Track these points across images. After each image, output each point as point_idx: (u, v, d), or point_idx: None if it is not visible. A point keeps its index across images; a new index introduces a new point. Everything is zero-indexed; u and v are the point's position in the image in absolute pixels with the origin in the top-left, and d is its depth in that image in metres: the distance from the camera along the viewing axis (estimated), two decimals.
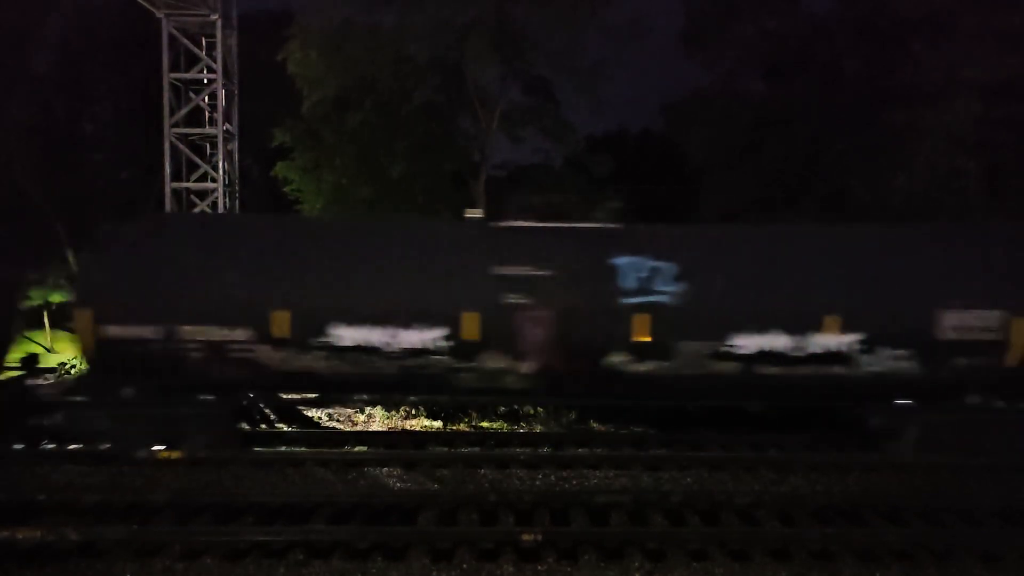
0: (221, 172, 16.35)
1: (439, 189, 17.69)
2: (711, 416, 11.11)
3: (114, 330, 8.57)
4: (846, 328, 8.55)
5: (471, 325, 8.55)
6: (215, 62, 15.89)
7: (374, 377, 8.84)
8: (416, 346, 8.60)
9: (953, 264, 8.82)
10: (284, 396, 11.56)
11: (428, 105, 17.05)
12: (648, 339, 8.57)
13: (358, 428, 11.49)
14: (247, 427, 10.96)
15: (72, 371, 10.65)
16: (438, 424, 11.69)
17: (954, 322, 8.49)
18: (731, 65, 19.02)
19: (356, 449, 9.53)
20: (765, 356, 8.61)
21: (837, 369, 8.66)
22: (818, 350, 8.59)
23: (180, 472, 8.27)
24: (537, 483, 8.22)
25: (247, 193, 18.02)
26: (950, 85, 15.00)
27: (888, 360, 8.61)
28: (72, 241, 19.61)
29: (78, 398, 9.08)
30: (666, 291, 8.60)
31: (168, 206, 16.10)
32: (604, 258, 8.77)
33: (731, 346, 8.61)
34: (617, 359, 8.69)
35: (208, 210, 16.26)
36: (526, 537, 6.38)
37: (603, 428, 11.50)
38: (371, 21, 16.37)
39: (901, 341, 8.56)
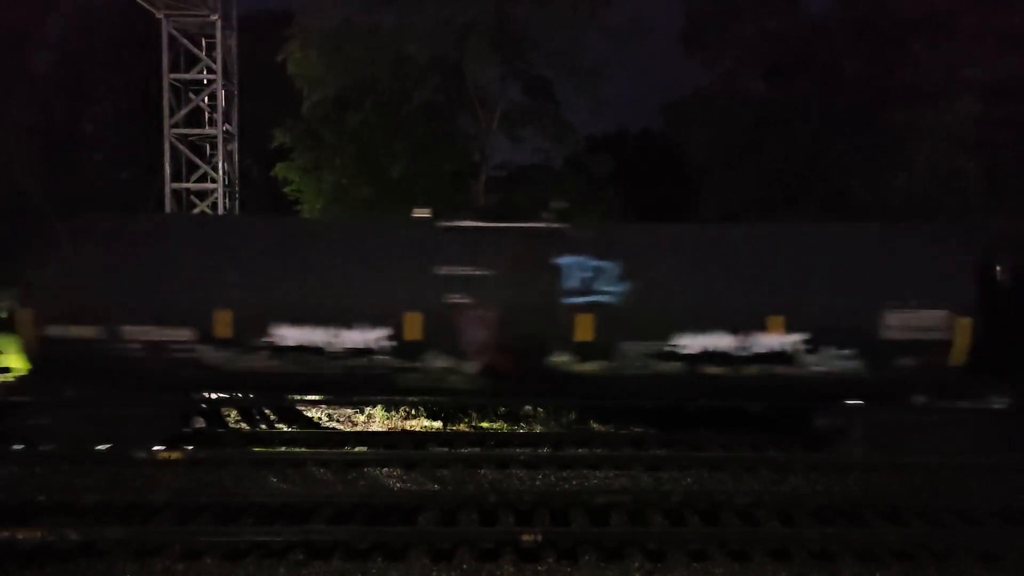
0: (221, 173, 16.34)
1: (439, 189, 17.68)
2: (711, 416, 11.11)
3: (55, 330, 8.54)
4: (790, 328, 8.52)
5: (413, 325, 8.54)
6: (215, 62, 15.88)
7: (319, 377, 8.81)
8: (359, 346, 8.58)
9: (897, 263, 8.79)
10: (289, 397, 11.54)
11: (428, 105, 17.05)
12: (591, 339, 8.55)
13: (358, 428, 11.49)
14: (247, 426, 10.97)
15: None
16: (438, 424, 11.69)
17: (898, 322, 8.47)
18: (731, 65, 19.02)
19: (356, 449, 9.53)
20: (709, 356, 8.59)
21: (782, 369, 8.63)
22: (762, 350, 8.56)
23: (180, 472, 8.28)
24: (537, 483, 8.23)
25: (247, 194, 18.02)
26: (950, 85, 14.99)
27: (833, 360, 8.58)
28: None
29: (21, 398, 8.96)
30: (609, 291, 8.58)
31: (168, 207, 16.09)
32: (548, 258, 8.75)
33: (675, 346, 8.58)
34: (561, 359, 8.67)
35: (208, 211, 16.26)
36: (526, 537, 6.38)
37: (603, 428, 11.51)
38: (371, 21, 16.40)
39: (845, 341, 8.54)
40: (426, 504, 7.28)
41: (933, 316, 8.47)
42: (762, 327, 8.53)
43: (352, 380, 8.90)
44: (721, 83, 19.09)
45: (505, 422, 11.79)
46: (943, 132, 14.95)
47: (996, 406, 8.85)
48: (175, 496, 7.36)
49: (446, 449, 9.62)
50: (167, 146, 16.07)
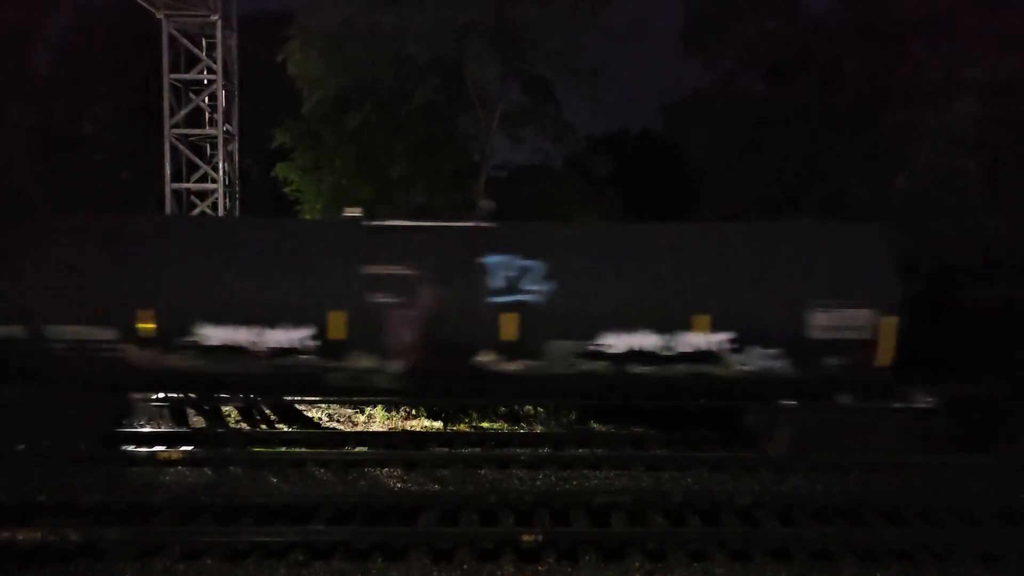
0: (221, 173, 16.34)
1: (439, 190, 17.68)
2: (711, 416, 11.12)
3: None
4: (716, 327, 8.53)
5: (337, 324, 8.52)
6: (215, 63, 15.89)
7: (245, 377, 8.80)
8: (283, 345, 8.57)
9: (823, 263, 8.78)
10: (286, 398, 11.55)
11: (428, 105, 17.04)
12: (516, 339, 8.54)
13: (358, 428, 11.49)
14: (246, 426, 10.97)
15: None
16: (438, 425, 11.70)
17: (824, 321, 8.48)
18: (731, 65, 19.00)
19: (356, 449, 9.53)
20: (636, 355, 8.59)
21: (709, 368, 8.64)
22: (688, 349, 8.57)
23: (180, 472, 8.29)
24: (537, 483, 8.23)
25: (247, 194, 18.02)
26: (950, 85, 14.99)
27: (759, 359, 8.59)
28: None
29: None
30: (534, 290, 8.57)
31: (168, 207, 16.09)
32: (473, 257, 8.73)
33: (600, 345, 8.57)
34: (486, 358, 8.65)
35: (208, 211, 16.27)
36: (526, 538, 6.38)
37: (603, 428, 11.51)
38: (371, 21, 16.39)
39: (771, 340, 8.56)
40: (426, 504, 7.28)
41: (858, 315, 8.48)
42: (687, 326, 8.54)
43: (279, 380, 8.88)
44: (721, 83, 19.09)
45: (505, 422, 11.80)
46: (943, 132, 14.94)
47: (923, 405, 8.89)
48: (175, 497, 7.37)
49: (446, 449, 9.62)
50: (167, 146, 16.07)
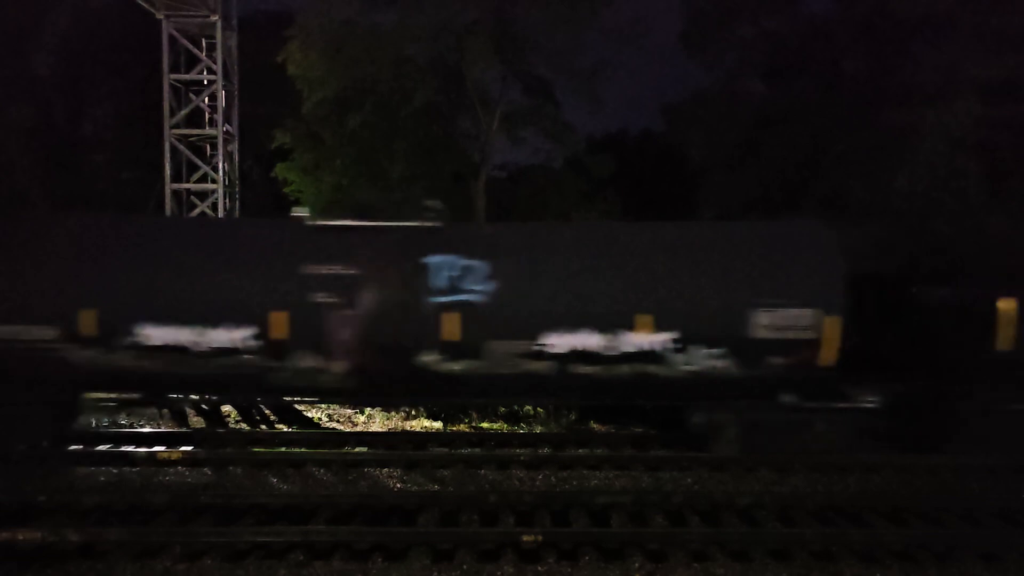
0: (221, 173, 16.36)
1: (439, 190, 17.67)
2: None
3: None
4: (659, 327, 8.52)
5: (279, 324, 8.50)
6: (215, 63, 15.92)
7: (189, 377, 8.77)
8: (225, 345, 8.55)
9: (766, 262, 8.76)
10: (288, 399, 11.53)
11: (428, 106, 17.04)
12: (458, 339, 8.52)
13: (358, 429, 11.49)
14: (246, 426, 10.97)
15: None
16: (438, 425, 11.70)
17: (767, 321, 8.46)
18: (731, 65, 19.02)
19: (356, 450, 9.53)
20: (579, 355, 8.57)
21: (653, 368, 8.62)
22: (632, 349, 8.55)
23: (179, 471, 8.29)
24: (537, 484, 8.23)
25: (247, 194, 18.04)
26: (950, 85, 15.00)
27: (703, 359, 8.58)
28: None
29: None
30: (476, 290, 8.56)
31: (168, 207, 16.11)
32: (416, 257, 8.71)
33: (543, 345, 8.55)
34: (428, 358, 8.62)
35: (208, 211, 16.27)
36: (527, 538, 6.38)
37: (603, 428, 11.51)
38: (371, 22, 16.39)
39: (715, 340, 8.55)
40: (427, 505, 7.28)
41: (802, 315, 8.46)
42: (630, 326, 8.52)
43: (222, 379, 8.85)
44: (721, 83, 19.10)
45: (505, 423, 11.80)
46: (943, 132, 14.94)
47: (867, 405, 8.90)
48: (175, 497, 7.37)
49: (446, 450, 9.62)
50: (167, 147, 16.09)
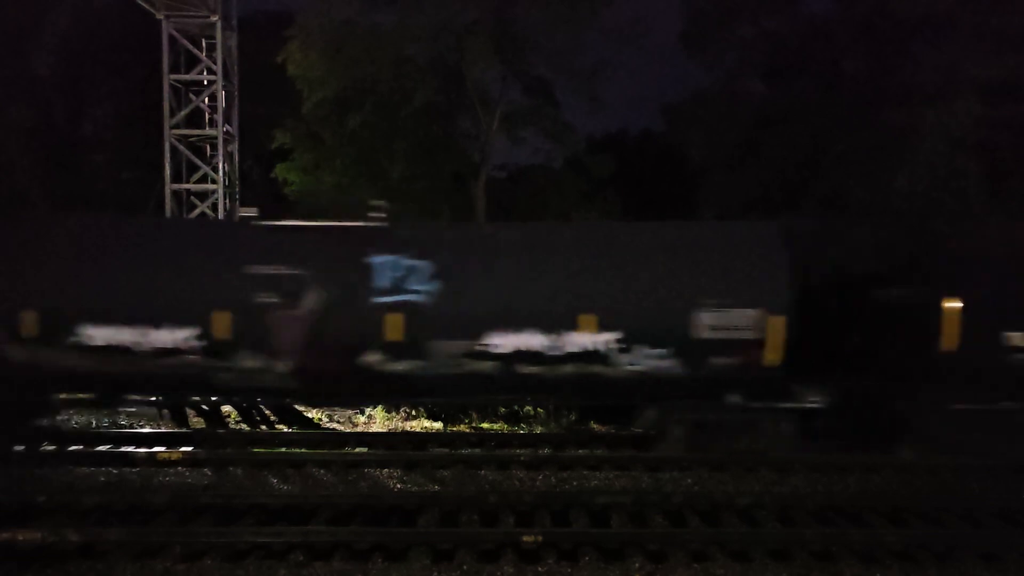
0: (221, 174, 16.35)
1: (439, 190, 17.70)
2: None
3: None
4: (602, 327, 8.49)
5: (222, 324, 8.46)
6: (215, 63, 15.91)
7: (134, 376, 8.72)
8: (168, 346, 8.49)
9: (710, 262, 8.74)
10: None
11: (428, 106, 17.06)
12: (401, 339, 8.48)
13: (359, 429, 11.49)
14: (246, 427, 10.97)
15: None
16: (438, 425, 11.69)
17: (710, 321, 8.45)
18: (731, 65, 19.05)
19: (357, 450, 9.53)
20: (523, 355, 8.53)
21: (597, 368, 8.59)
22: (576, 349, 8.52)
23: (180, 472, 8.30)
24: (538, 484, 8.23)
25: (247, 194, 18.04)
26: (950, 85, 15.00)
27: (648, 359, 8.55)
28: None
29: None
30: (420, 290, 8.53)
31: (168, 208, 16.11)
32: (360, 257, 8.67)
33: (487, 345, 8.52)
34: (373, 359, 8.58)
35: (208, 212, 16.27)
36: (527, 538, 6.38)
37: (603, 429, 11.50)
38: (371, 22, 16.41)
39: (659, 340, 8.51)
40: (427, 505, 7.28)
41: (745, 315, 8.44)
42: (574, 326, 8.50)
43: (167, 380, 8.81)
44: (721, 83, 19.12)
45: (505, 423, 11.80)
46: (943, 132, 14.95)
47: (813, 405, 8.89)
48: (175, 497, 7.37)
49: (447, 450, 9.62)
50: (167, 147, 16.09)
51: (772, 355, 8.49)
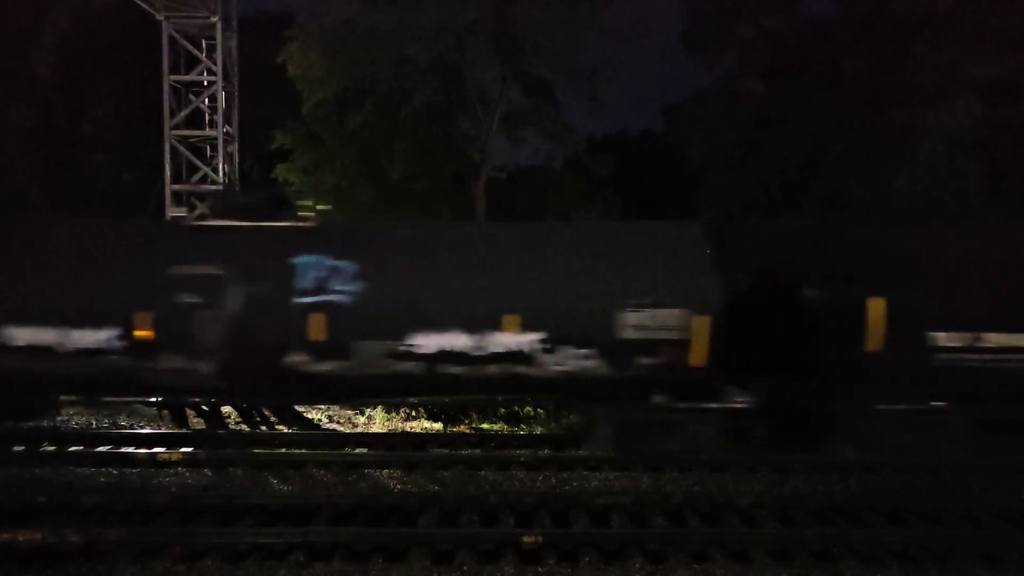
0: (221, 174, 16.35)
1: (439, 191, 17.70)
2: None
3: None
4: (526, 327, 8.48)
5: (144, 324, 8.43)
6: (215, 64, 15.90)
7: (58, 376, 8.67)
8: (90, 346, 8.45)
9: (635, 262, 8.73)
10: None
11: (428, 106, 17.06)
12: (324, 339, 8.46)
13: (359, 430, 11.50)
14: (246, 427, 10.97)
15: None
16: (438, 426, 11.70)
17: (634, 321, 8.43)
18: (731, 65, 19.05)
19: (357, 451, 9.53)
20: (447, 355, 8.51)
21: (522, 368, 8.57)
22: (500, 349, 8.50)
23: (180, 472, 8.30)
24: (538, 485, 8.23)
25: (247, 195, 18.03)
26: (950, 85, 15.01)
27: (573, 360, 8.53)
28: None
29: None
30: (343, 290, 8.51)
31: (168, 208, 16.11)
32: (284, 257, 8.66)
33: (411, 346, 8.49)
34: (296, 359, 8.54)
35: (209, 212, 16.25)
36: (527, 539, 6.38)
37: None
38: (371, 22, 16.41)
39: (584, 341, 8.50)
40: (427, 505, 7.28)
41: (669, 315, 8.42)
42: (498, 326, 8.48)
43: (91, 379, 8.79)
44: (721, 83, 19.12)
45: (505, 424, 11.80)
46: (943, 132, 14.95)
47: (739, 405, 8.86)
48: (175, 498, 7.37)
49: (447, 451, 9.62)
50: (167, 148, 16.08)
51: (698, 356, 8.47)
